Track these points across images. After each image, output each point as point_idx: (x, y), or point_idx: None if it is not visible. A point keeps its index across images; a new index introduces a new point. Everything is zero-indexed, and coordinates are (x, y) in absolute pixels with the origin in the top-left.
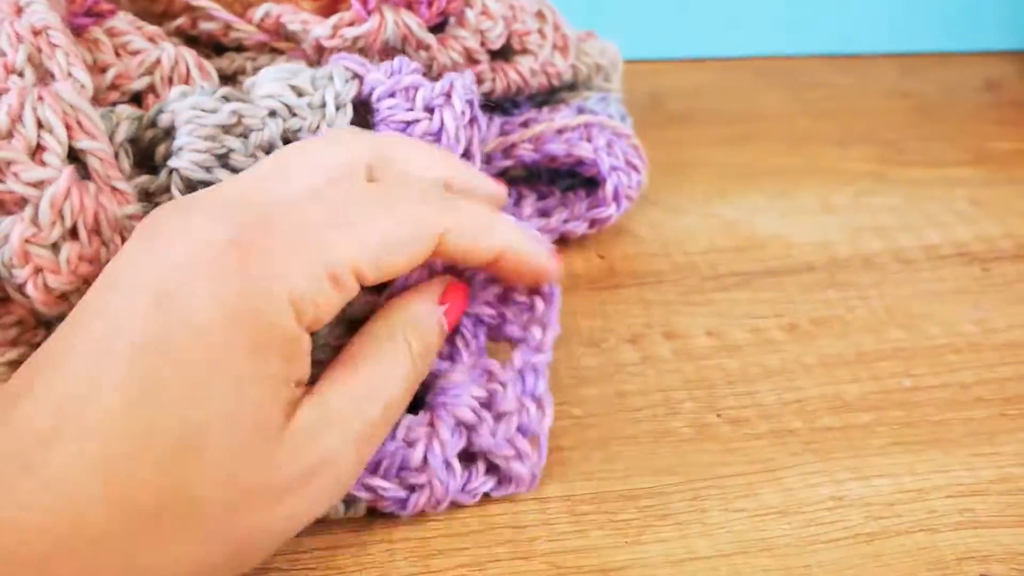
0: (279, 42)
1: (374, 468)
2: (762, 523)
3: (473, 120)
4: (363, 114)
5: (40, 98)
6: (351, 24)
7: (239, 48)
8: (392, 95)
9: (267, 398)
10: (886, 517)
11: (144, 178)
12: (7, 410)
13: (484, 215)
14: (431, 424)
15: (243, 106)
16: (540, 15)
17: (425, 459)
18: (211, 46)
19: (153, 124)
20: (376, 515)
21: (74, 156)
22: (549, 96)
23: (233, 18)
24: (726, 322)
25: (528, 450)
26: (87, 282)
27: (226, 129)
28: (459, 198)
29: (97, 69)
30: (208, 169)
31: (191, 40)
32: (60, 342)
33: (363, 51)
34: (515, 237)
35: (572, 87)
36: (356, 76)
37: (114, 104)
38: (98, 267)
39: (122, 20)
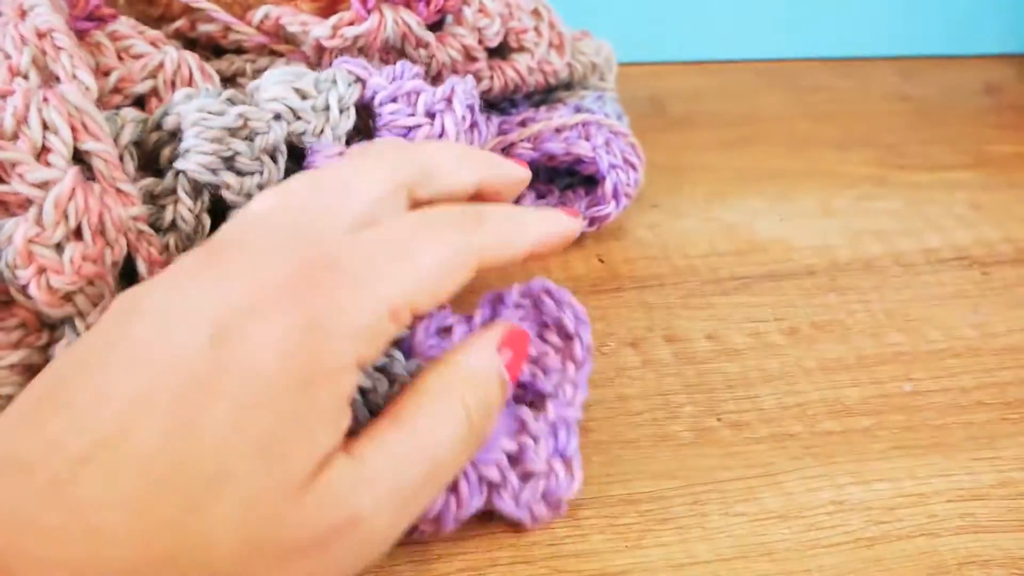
0: (279, 44)
1: None
2: (762, 527)
3: (474, 125)
4: (365, 117)
5: (45, 100)
6: (351, 23)
7: (238, 50)
8: (394, 100)
9: (302, 443)
10: (887, 521)
11: (149, 180)
12: (44, 415)
13: (514, 222)
14: (454, 483)
15: (249, 109)
16: (536, 13)
17: (439, 515)
18: (210, 48)
19: (158, 126)
20: None
21: (79, 158)
22: (546, 95)
23: (232, 20)
24: (726, 326)
25: (546, 514)
26: (91, 283)
27: (232, 132)
28: (490, 209)
29: (100, 73)
30: (214, 171)
31: (190, 42)
32: (104, 360)
33: (363, 50)
34: (542, 230)
35: (568, 86)
36: (359, 79)
37: (118, 108)
38: (102, 267)
39: (124, 24)
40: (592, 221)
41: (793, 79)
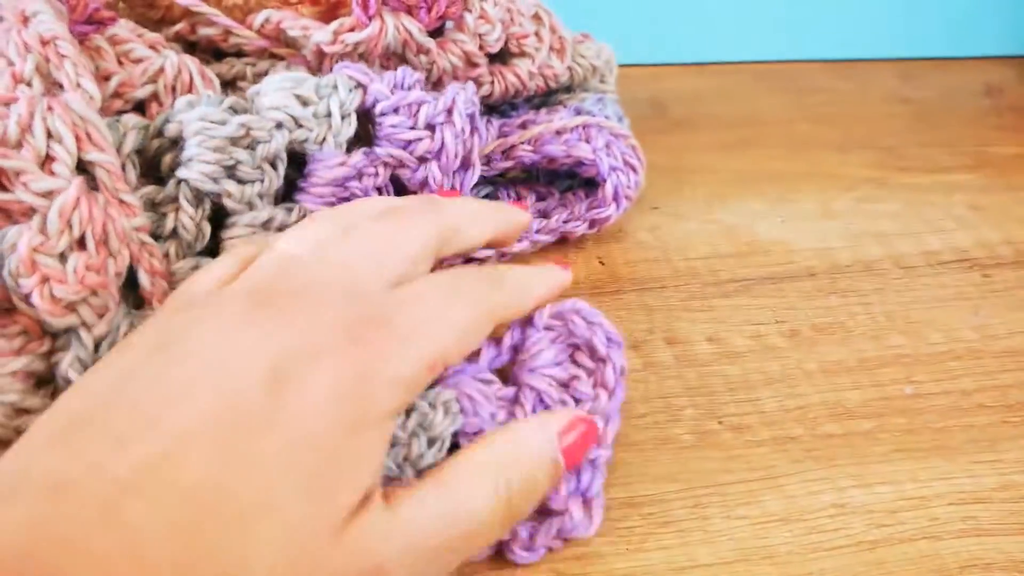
0: (279, 48)
1: None
2: (764, 531)
3: (474, 131)
4: (365, 124)
5: (50, 108)
6: (352, 30)
7: (238, 54)
8: (396, 111)
9: (346, 482)
10: (888, 525)
11: (150, 188)
12: (83, 437)
13: (524, 283)
14: None
15: (251, 118)
16: (537, 18)
17: None
18: (210, 51)
19: (160, 134)
20: None
21: (82, 168)
22: (546, 98)
23: (233, 24)
24: (727, 328)
25: (553, 545)
26: (95, 293)
27: (234, 141)
28: (506, 273)
29: (100, 77)
30: (216, 180)
31: (190, 46)
32: (149, 391)
33: (363, 56)
34: (545, 290)
35: (569, 89)
36: (359, 85)
37: (118, 112)
38: (105, 278)
39: (123, 28)
40: (592, 223)
41: (793, 81)
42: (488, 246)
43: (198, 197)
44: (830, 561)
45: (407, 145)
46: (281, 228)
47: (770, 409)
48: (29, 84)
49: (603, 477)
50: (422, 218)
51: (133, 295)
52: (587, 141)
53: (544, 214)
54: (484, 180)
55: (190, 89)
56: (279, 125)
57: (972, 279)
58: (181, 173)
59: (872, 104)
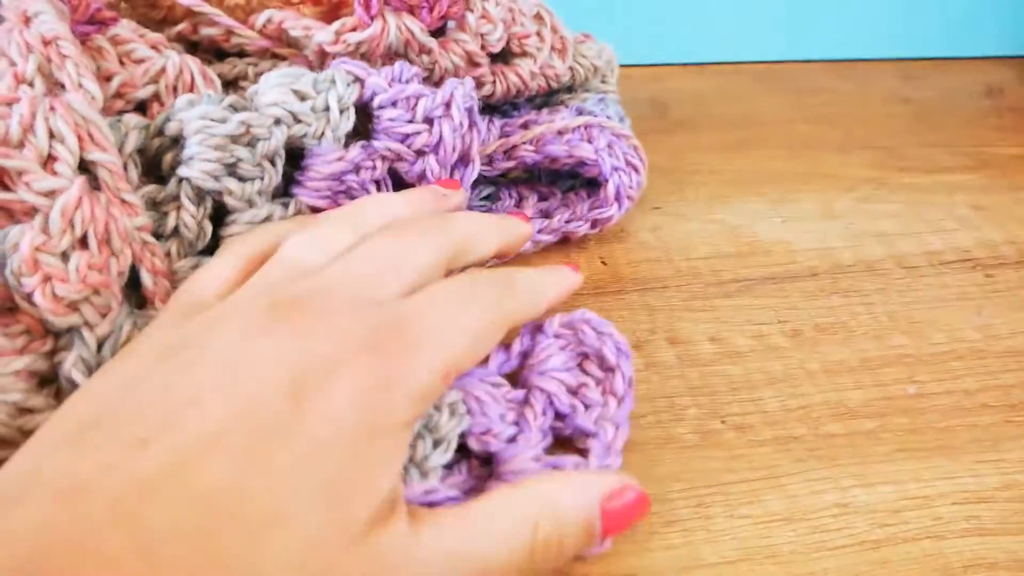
0: (281, 48)
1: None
2: (767, 530)
3: (472, 125)
4: (363, 118)
5: (52, 108)
6: (354, 29)
7: (240, 54)
8: (394, 104)
9: (363, 489)
10: (892, 524)
11: (152, 187)
12: (98, 437)
13: (535, 285)
14: None
15: (251, 116)
16: (538, 18)
17: None
18: (212, 52)
19: (160, 132)
20: None
21: (84, 168)
22: (548, 98)
23: (235, 24)
24: (729, 328)
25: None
26: (97, 292)
27: (234, 139)
28: (517, 277)
29: (101, 78)
30: (217, 178)
31: (192, 46)
32: (166, 397)
33: (365, 56)
34: (556, 290)
35: (570, 89)
36: (357, 79)
37: (119, 112)
38: (107, 277)
39: (125, 28)
40: (594, 223)
41: (794, 81)
42: (495, 255)
43: (199, 195)
44: (833, 560)
45: (405, 139)
46: None
47: (773, 409)
48: (31, 84)
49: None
50: (434, 231)
51: (135, 295)
52: (589, 141)
53: (546, 214)
54: (486, 180)
55: (191, 89)
56: (277, 121)
57: (974, 279)
58: (182, 172)
59: (873, 104)
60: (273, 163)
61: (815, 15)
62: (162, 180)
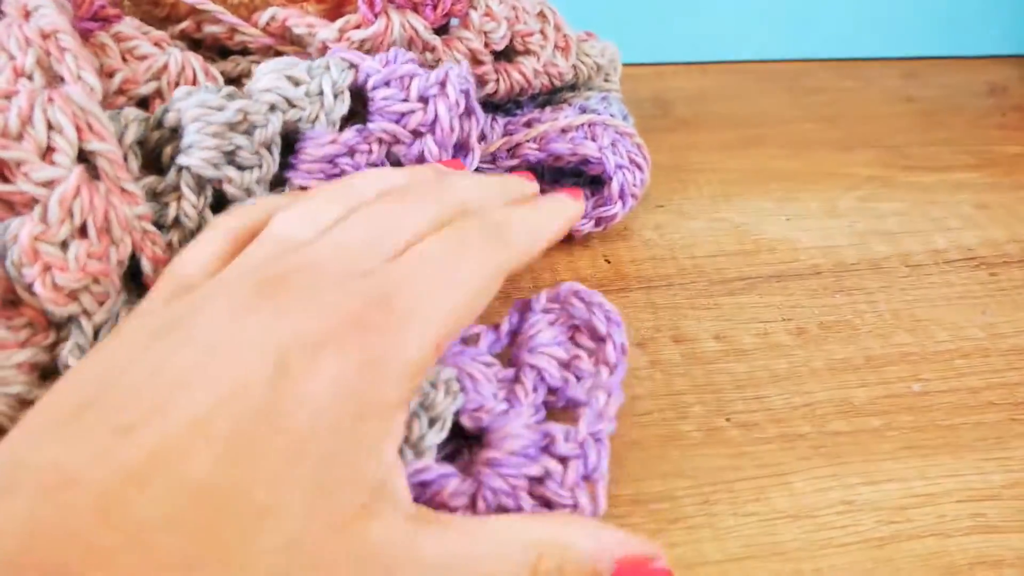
0: (285, 46)
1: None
2: (772, 527)
3: (470, 112)
4: (358, 103)
5: (50, 100)
6: (357, 27)
7: (244, 52)
8: (387, 84)
9: (351, 478)
10: (897, 522)
11: (152, 178)
12: (86, 424)
13: (531, 227)
14: (472, 501)
15: (247, 103)
16: (542, 16)
17: None
18: (215, 49)
19: (159, 124)
20: None
21: (84, 158)
22: (551, 96)
23: (238, 21)
24: (734, 326)
25: None
26: (96, 281)
27: (232, 126)
28: (508, 221)
29: (104, 74)
30: (216, 166)
31: (195, 44)
32: (154, 379)
33: (369, 54)
34: (554, 227)
35: (573, 87)
36: (352, 65)
37: (121, 109)
38: (107, 266)
39: (128, 25)
40: (599, 221)
41: (797, 80)
42: None
43: (200, 185)
44: (839, 558)
45: (400, 118)
46: None
47: (778, 406)
48: (30, 78)
49: (607, 455)
50: (429, 196)
51: (136, 284)
52: (593, 139)
53: None
54: None
55: (194, 85)
56: (273, 107)
57: (979, 277)
58: (181, 160)
59: (876, 103)
60: (271, 151)
61: (818, 14)
62: (162, 173)
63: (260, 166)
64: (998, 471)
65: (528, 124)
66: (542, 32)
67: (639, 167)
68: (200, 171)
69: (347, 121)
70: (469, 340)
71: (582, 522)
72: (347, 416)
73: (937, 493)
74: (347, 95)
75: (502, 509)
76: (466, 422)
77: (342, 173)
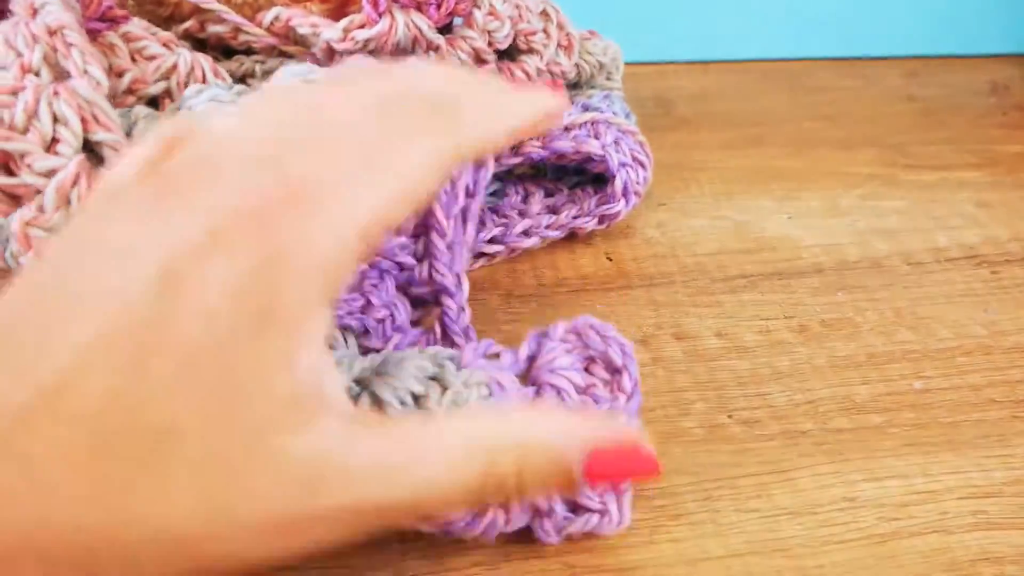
0: (289, 45)
1: None
2: (775, 523)
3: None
4: None
5: (56, 93)
6: (361, 27)
7: (248, 51)
8: None
9: (257, 393)
10: (899, 518)
11: None
12: None
13: (492, 108)
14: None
15: None
16: (545, 14)
17: (486, 529)
18: (219, 49)
19: None
20: None
21: (90, 149)
22: None
23: (243, 21)
24: (736, 323)
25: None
26: None
27: None
28: (465, 97)
29: (113, 74)
30: None
31: (199, 43)
32: (46, 304)
33: (373, 53)
34: (523, 113)
35: (575, 85)
36: None
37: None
38: None
39: (136, 26)
40: (602, 219)
41: (799, 79)
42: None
43: None
44: (841, 554)
45: None
46: None
47: (780, 403)
48: (37, 74)
49: None
50: (370, 81)
51: None
52: (596, 137)
53: (553, 210)
54: (493, 176)
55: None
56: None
57: (980, 275)
58: None
59: (878, 102)
60: None
61: (820, 13)
62: None
63: None
64: (1000, 468)
65: None
66: (545, 31)
67: (642, 165)
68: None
69: None
70: (490, 357)
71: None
72: (245, 325)
73: (939, 490)
74: None
75: (534, 510)
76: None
77: None
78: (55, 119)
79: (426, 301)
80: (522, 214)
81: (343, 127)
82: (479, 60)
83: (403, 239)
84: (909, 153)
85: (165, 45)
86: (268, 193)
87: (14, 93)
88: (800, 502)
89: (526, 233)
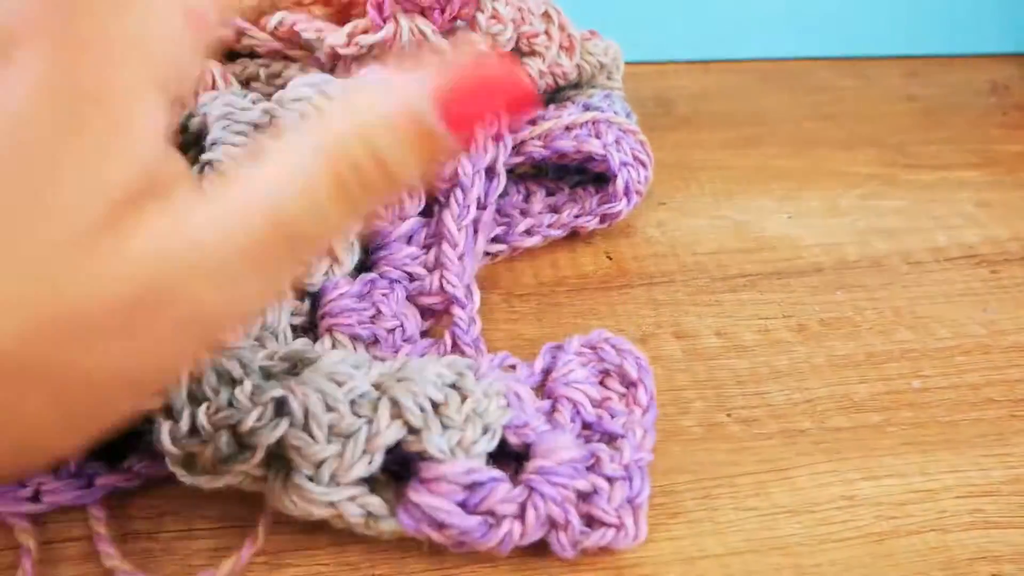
0: (293, 50)
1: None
2: (773, 522)
3: (499, 136)
4: None
5: None
6: (366, 32)
7: (251, 54)
8: None
9: (75, 187)
10: (897, 517)
11: None
12: None
13: None
14: (521, 510)
15: (275, 107)
16: (546, 16)
17: (502, 541)
18: (222, 52)
19: (184, 129)
20: None
21: None
22: (554, 94)
23: (247, 25)
24: (735, 322)
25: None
26: None
27: (258, 127)
28: None
29: None
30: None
31: None
32: None
33: (378, 58)
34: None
35: (576, 85)
36: None
37: None
38: None
39: None
40: (603, 218)
41: (799, 79)
42: None
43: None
44: (839, 552)
45: None
46: None
47: (778, 402)
48: None
49: (649, 486)
50: None
51: None
52: (597, 136)
53: (555, 209)
54: None
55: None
56: (303, 117)
57: (980, 275)
58: (205, 156)
59: (878, 102)
60: None
61: (820, 13)
62: None
63: None
64: (998, 467)
65: (532, 121)
66: (547, 33)
67: (643, 164)
68: (224, 167)
69: None
70: (505, 370)
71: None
72: (58, 116)
73: (937, 489)
74: None
75: (552, 521)
76: (511, 438)
77: None
78: None
79: (436, 311)
80: (524, 213)
81: None
82: None
83: (414, 249)
84: (909, 153)
85: None
86: None
87: None
88: (798, 501)
89: (528, 232)
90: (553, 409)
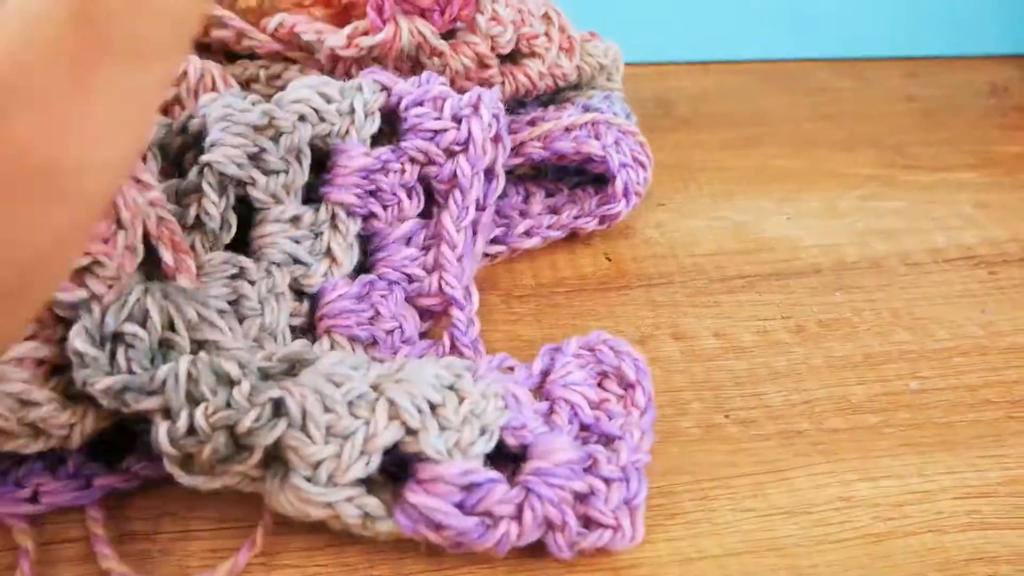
0: (293, 51)
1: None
2: (770, 523)
3: (498, 138)
4: (391, 124)
5: None
6: (366, 33)
7: (251, 56)
8: (420, 104)
9: None
10: (894, 518)
11: (174, 181)
12: None
13: None
14: (518, 511)
15: (274, 108)
16: (546, 17)
17: (499, 542)
18: (222, 54)
19: (183, 130)
20: None
21: None
22: (554, 95)
23: (247, 27)
24: (733, 324)
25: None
26: (99, 262)
27: (258, 129)
28: None
29: None
30: (239, 165)
31: (203, 48)
32: None
33: (378, 60)
34: None
35: (576, 86)
36: (384, 88)
37: None
38: (112, 248)
39: None
40: (602, 219)
41: (799, 80)
42: None
43: (222, 185)
44: (836, 553)
45: (433, 136)
46: (311, 227)
47: (776, 403)
48: None
49: (646, 488)
50: None
51: (158, 272)
52: (596, 138)
53: (554, 210)
54: None
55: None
56: (302, 118)
57: (978, 276)
58: (204, 158)
59: (877, 103)
60: (299, 160)
61: (820, 14)
62: (185, 177)
63: (286, 172)
64: (995, 468)
65: (532, 123)
66: (547, 34)
67: (642, 165)
68: (222, 168)
69: (380, 140)
70: (503, 372)
71: None
72: None
73: (934, 490)
74: (378, 116)
75: (549, 522)
76: (509, 439)
77: (377, 189)
78: None
79: (435, 313)
80: (523, 214)
81: None
82: (481, 65)
83: (413, 250)
84: (908, 154)
85: None
86: None
87: None
88: (796, 502)
89: (527, 233)
90: (551, 411)
